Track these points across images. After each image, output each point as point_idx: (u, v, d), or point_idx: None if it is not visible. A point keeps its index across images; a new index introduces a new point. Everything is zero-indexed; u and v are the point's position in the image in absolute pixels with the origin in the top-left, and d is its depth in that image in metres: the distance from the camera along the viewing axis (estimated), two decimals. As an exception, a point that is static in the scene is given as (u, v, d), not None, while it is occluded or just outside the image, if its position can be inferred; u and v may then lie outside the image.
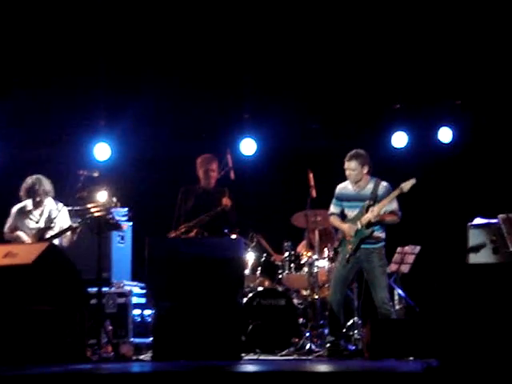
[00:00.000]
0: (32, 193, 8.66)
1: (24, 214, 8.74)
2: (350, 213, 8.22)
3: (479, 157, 10.94)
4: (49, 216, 8.66)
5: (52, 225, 8.60)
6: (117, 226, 8.45)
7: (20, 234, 8.64)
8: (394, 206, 8.11)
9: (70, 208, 8.78)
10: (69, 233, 8.53)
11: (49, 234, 8.50)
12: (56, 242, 8.46)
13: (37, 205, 8.69)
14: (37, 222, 8.67)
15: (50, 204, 8.70)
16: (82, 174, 8.34)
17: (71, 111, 10.87)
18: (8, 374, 5.49)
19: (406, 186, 7.97)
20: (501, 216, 8.33)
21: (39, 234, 8.54)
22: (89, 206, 8.08)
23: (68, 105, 10.75)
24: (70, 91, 10.60)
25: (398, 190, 7.99)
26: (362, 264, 8.11)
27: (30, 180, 8.71)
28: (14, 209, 8.79)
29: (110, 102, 10.94)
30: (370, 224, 8.02)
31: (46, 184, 8.71)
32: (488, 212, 8.59)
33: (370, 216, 7.99)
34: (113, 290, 9.20)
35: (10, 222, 8.76)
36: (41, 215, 8.68)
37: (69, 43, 10.21)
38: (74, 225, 8.48)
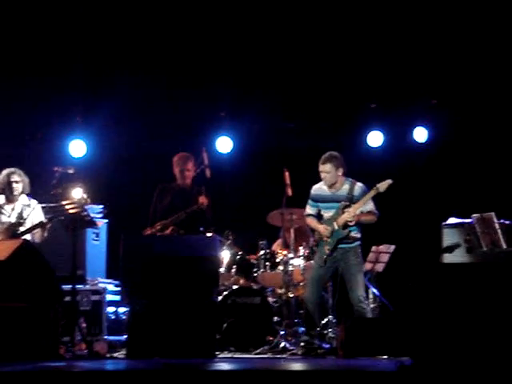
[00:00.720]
0: (8, 187, 8.52)
1: None
2: (326, 214, 8.23)
3: (454, 156, 11.00)
4: (21, 212, 8.56)
5: (22, 220, 8.50)
6: (92, 223, 8.42)
7: None
8: (371, 206, 8.13)
9: (44, 205, 8.70)
10: (40, 229, 8.44)
11: (19, 230, 8.41)
12: (28, 237, 8.41)
13: (10, 200, 8.58)
14: (8, 217, 8.56)
15: (22, 200, 8.60)
16: (57, 171, 8.30)
17: (47, 107, 10.81)
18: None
19: (382, 186, 7.99)
20: (475, 216, 8.39)
21: (10, 229, 8.44)
22: (63, 202, 8.04)
23: (43, 101, 10.69)
24: (46, 88, 10.54)
25: (374, 190, 8.01)
26: (339, 263, 8.12)
27: (6, 173, 8.57)
28: None
29: (86, 99, 10.90)
30: (346, 225, 8.04)
31: (25, 179, 8.55)
32: (462, 212, 8.65)
33: (346, 217, 8.00)
34: (87, 287, 9.17)
35: None
36: (13, 210, 8.57)
37: (44, 40, 10.14)
38: (44, 220, 8.41)
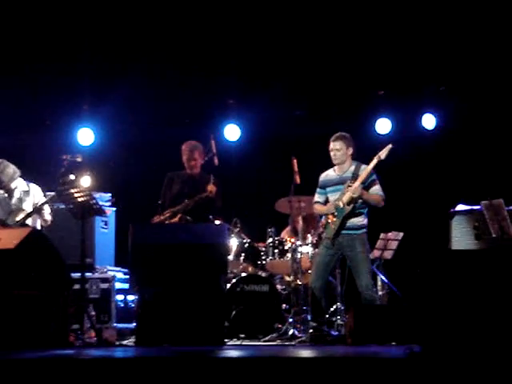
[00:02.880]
0: None
1: None
2: (334, 197, 8.21)
3: (462, 143, 10.98)
4: (19, 198, 8.56)
5: (22, 206, 8.51)
6: (100, 211, 8.42)
7: None
8: (377, 188, 8.12)
9: (52, 193, 8.71)
10: (37, 214, 8.43)
11: (19, 217, 8.41)
12: (37, 225, 8.42)
13: (6, 191, 8.60)
14: (7, 205, 8.55)
15: (19, 185, 8.58)
16: (65, 159, 8.29)
17: (55, 96, 10.82)
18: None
19: (383, 153, 8.03)
20: (484, 202, 8.36)
21: (12, 217, 8.45)
22: (72, 190, 8.05)
23: (51, 89, 10.70)
24: (54, 76, 10.55)
25: (376, 159, 8.03)
26: (345, 250, 8.12)
27: None
28: None
29: (94, 87, 10.90)
30: (350, 201, 8.03)
31: (8, 170, 8.55)
32: (471, 198, 8.63)
33: (350, 190, 7.99)
34: (96, 275, 9.21)
35: None
36: (10, 198, 8.58)
37: (52, 27, 10.13)
38: (38, 204, 8.40)
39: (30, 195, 8.55)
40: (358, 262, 8.03)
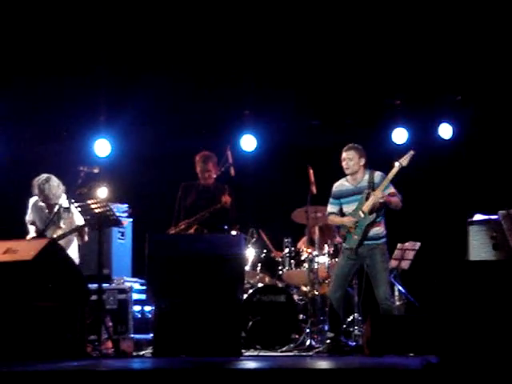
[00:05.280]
0: (42, 196, 8.53)
1: (36, 207, 8.64)
2: (349, 208, 8.20)
3: (479, 153, 10.94)
4: (58, 215, 8.52)
5: (60, 223, 8.49)
6: (117, 222, 8.43)
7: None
8: (394, 191, 8.11)
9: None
10: (77, 232, 8.43)
11: (56, 234, 8.39)
12: (75, 242, 8.44)
13: (47, 205, 8.59)
14: (47, 218, 8.53)
15: (61, 202, 8.55)
16: (82, 171, 8.31)
17: (71, 107, 10.87)
18: (8, 370, 5.49)
19: (405, 160, 8.00)
20: (501, 212, 8.32)
21: (49, 232, 8.44)
22: (89, 202, 8.08)
23: (68, 101, 10.75)
24: (71, 87, 10.58)
25: (398, 166, 8.00)
26: (364, 260, 8.09)
27: (37, 184, 8.47)
28: (30, 202, 8.68)
29: (111, 99, 10.94)
30: (372, 210, 8.00)
31: (54, 185, 8.48)
32: (488, 208, 8.59)
33: (372, 199, 7.95)
34: (113, 286, 9.22)
35: (28, 214, 8.67)
36: (50, 213, 8.55)
37: (69, 39, 10.18)
38: (80, 224, 8.40)
39: (69, 213, 8.49)
40: (377, 272, 8.01)
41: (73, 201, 8.43)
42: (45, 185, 8.42)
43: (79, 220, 8.49)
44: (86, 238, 8.55)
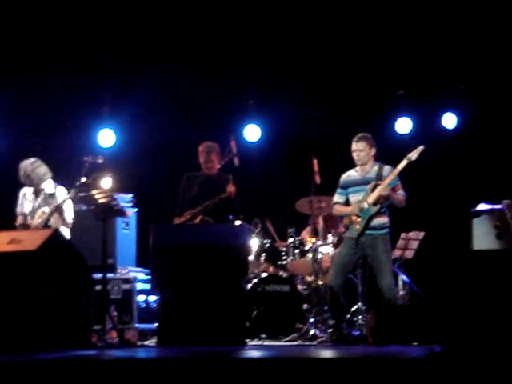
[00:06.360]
0: (27, 179, 8.59)
1: (24, 197, 8.70)
2: (355, 198, 8.18)
3: (483, 142, 10.93)
4: (43, 199, 8.57)
5: (44, 208, 8.50)
6: (121, 213, 8.45)
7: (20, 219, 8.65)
8: (400, 188, 8.09)
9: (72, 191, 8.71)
10: (57, 213, 8.44)
11: (41, 218, 8.41)
12: (62, 229, 8.46)
13: (35, 191, 8.63)
14: (33, 205, 8.58)
15: (47, 187, 8.59)
16: (86, 161, 8.32)
17: (76, 97, 10.87)
18: (13, 359, 5.51)
19: (414, 154, 7.96)
20: (505, 201, 8.33)
21: (33, 217, 8.49)
22: (93, 192, 8.09)
23: (72, 91, 10.75)
24: (75, 77, 10.58)
25: (406, 160, 7.97)
26: (367, 250, 8.09)
27: (23, 166, 8.57)
28: (21, 193, 8.74)
29: (115, 89, 10.94)
30: (376, 202, 7.99)
31: (39, 169, 8.57)
32: (492, 198, 8.60)
33: (378, 191, 7.94)
34: (118, 276, 9.23)
35: (18, 205, 8.72)
36: (37, 197, 8.61)
37: (73, 28, 10.18)
38: (59, 202, 8.41)
39: (54, 198, 8.53)
40: (379, 262, 8.01)
41: (60, 186, 8.51)
42: (29, 167, 8.51)
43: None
44: (69, 219, 8.50)
